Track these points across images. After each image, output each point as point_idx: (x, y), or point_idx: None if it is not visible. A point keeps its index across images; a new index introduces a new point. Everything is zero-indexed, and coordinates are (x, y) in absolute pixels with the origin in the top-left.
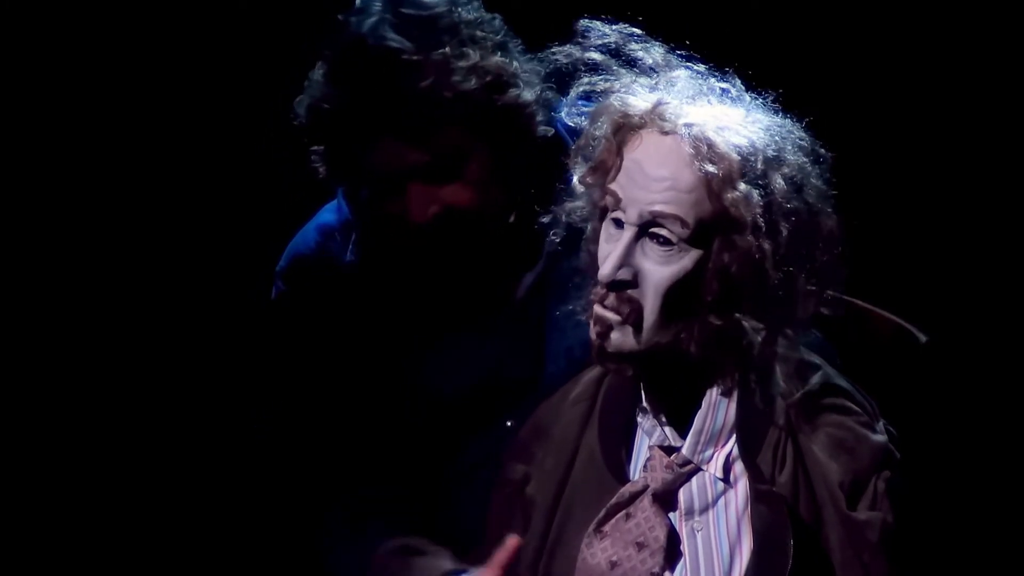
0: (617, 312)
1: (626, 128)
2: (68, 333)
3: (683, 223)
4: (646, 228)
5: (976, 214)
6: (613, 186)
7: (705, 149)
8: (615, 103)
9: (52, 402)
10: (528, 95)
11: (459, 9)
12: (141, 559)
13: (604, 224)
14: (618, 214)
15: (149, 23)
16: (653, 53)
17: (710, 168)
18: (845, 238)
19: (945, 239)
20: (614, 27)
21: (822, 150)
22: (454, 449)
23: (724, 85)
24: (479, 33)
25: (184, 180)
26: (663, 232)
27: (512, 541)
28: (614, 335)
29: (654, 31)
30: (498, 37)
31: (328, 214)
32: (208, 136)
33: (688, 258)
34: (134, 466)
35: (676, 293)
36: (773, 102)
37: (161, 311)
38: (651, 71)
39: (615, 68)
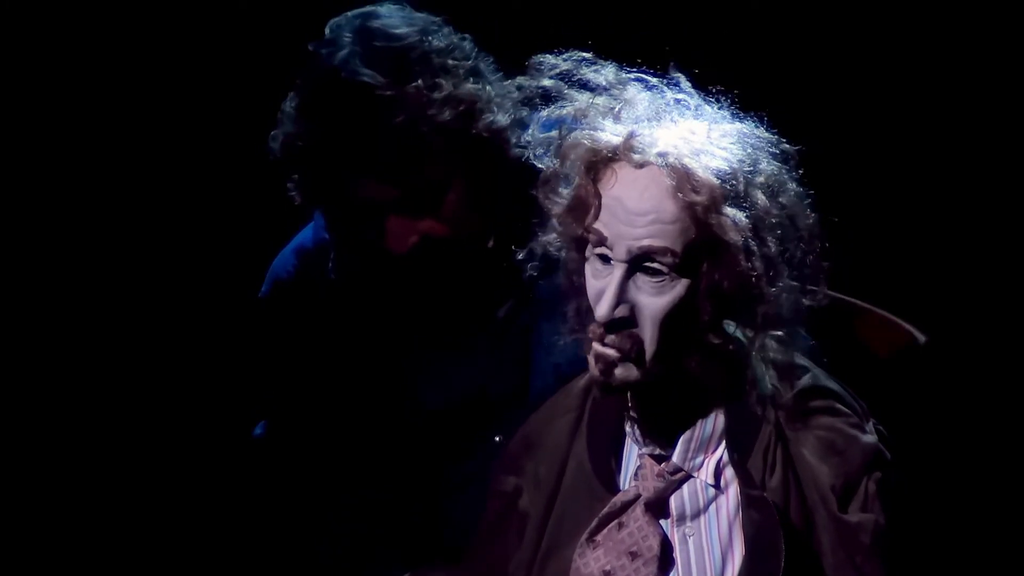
0: (619, 349)
1: (598, 164)
2: (67, 337)
3: (672, 253)
4: (636, 263)
5: (975, 214)
6: (597, 225)
7: (685, 179)
8: (583, 140)
9: (49, 403)
10: (503, 119)
11: (429, 38)
12: (141, 559)
13: (589, 260)
14: (603, 251)
15: (146, 25)
16: (605, 73)
17: (694, 198)
18: (824, 234)
19: (944, 239)
20: (563, 56)
21: (787, 146)
22: (444, 465)
23: (680, 96)
24: (451, 61)
25: (183, 181)
26: (654, 265)
27: None
28: (618, 371)
29: (605, 43)
30: (469, 63)
31: (306, 235)
32: (207, 136)
33: (680, 285)
34: (131, 467)
35: (673, 321)
36: (728, 103)
37: (156, 315)
38: (605, 90)
39: (568, 92)
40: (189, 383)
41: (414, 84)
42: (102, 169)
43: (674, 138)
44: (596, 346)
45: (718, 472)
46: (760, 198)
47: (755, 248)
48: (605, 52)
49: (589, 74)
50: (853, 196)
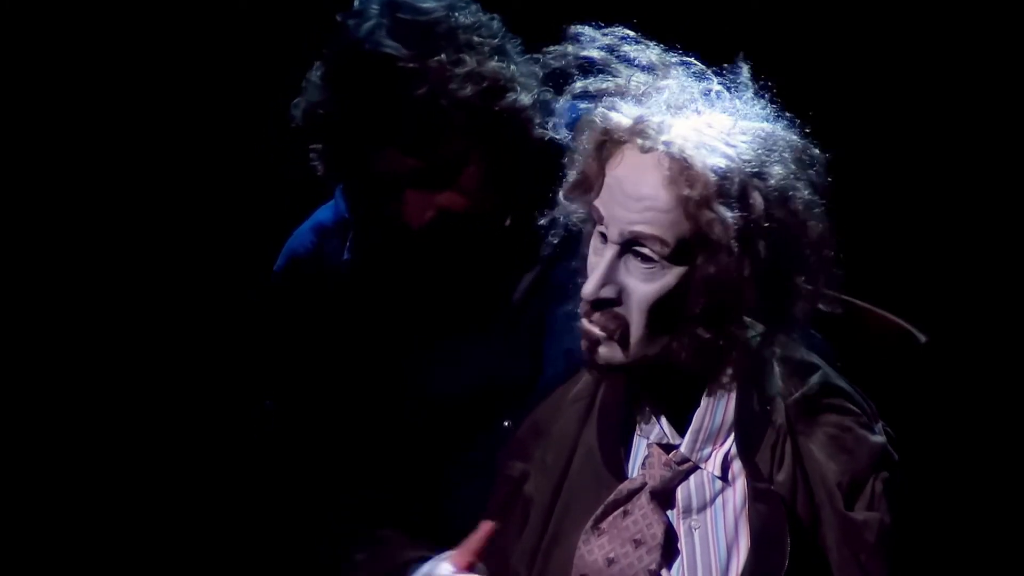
0: (603, 328)
1: (609, 144)
2: (70, 333)
3: (663, 242)
4: (628, 246)
5: (975, 214)
6: (597, 203)
7: (681, 170)
8: (597, 119)
9: (51, 403)
10: (525, 99)
11: (456, 14)
12: (142, 559)
13: (593, 236)
14: (602, 229)
15: (148, 22)
16: (648, 54)
17: (686, 190)
18: (837, 240)
19: (944, 239)
20: (605, 32)
21: (815, 151)
22: (453, 449)
23: (716, 88)
24: (476, 38)
25: (185, 178)
26: (644, 251)
27: (486, 526)
28: (602, 349)
29: (652, 28)
30: (495, 41)
31: (324, 213)
32: (208, 134)
33: (671, 275)
34: (133, 466)
35: (661, 309)
36: (772, 99)
37: (161, 310)
38: (647, 69)
39: (611, 67)
40: (196, 372)
41: (437, 58)
42: (109, 152)
43: (686, 129)
44: (583, 322)
45: (726, 464)
46: (758, 201)
47: (741, 250)
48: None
49: (631, 52)
50: (853, 196)
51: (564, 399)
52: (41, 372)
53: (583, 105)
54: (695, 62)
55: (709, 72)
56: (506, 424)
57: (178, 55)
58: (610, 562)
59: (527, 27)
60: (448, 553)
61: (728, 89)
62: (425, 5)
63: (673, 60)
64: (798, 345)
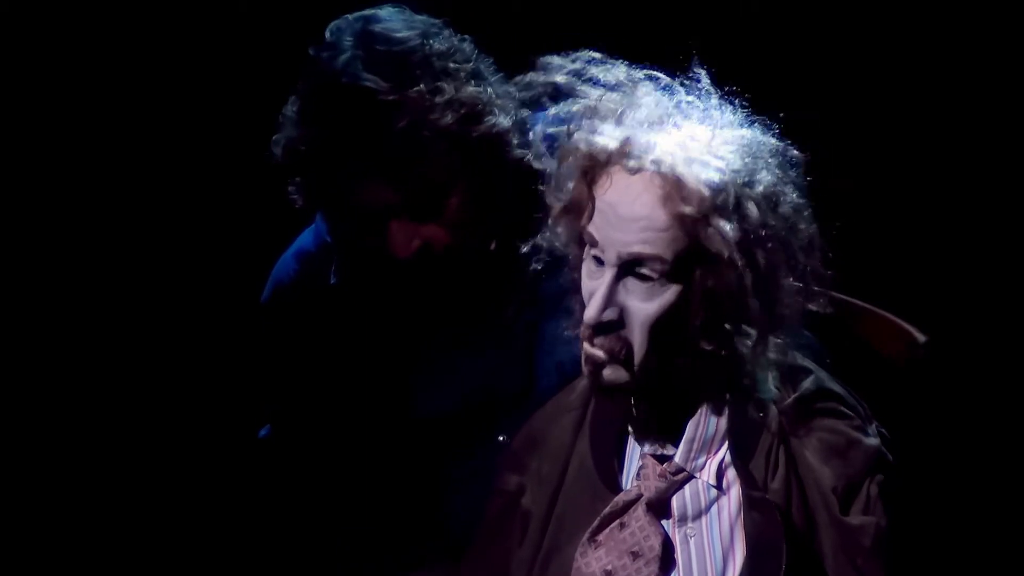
0: (607, 351)
1: (595, 168)
2: (71, 344)
3: (662, 261)
4: (626, 268)
5: (975, 214)
6: (590, 228)
7: (675, 188)
8: (580, 145)
9: (55, 405)
10: (504, 121)
11: (431, 41)
12: (142, 559)
13: (585, 260)
14: (597, 252)
15: (150, 28)
16: (615, 73)
17: (684, 208)
18: (826, 241)
19: (944, 239)
20: (572, 57)
21: (794, 152)
22: (447, 464)
23: (690, 99)
24: (452, 64)
25: (187, 183)
26: (644, 270)
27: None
28: (606, 372)
29: (620, 37)
30: (470, 65)
31: (306, 238)
32: (210, 141)
33: (671, 291)
34: (134, 471)
35: (663, 326)
36: (742, 104)
37: (160, 319)
38: (615, 88)
39: (579, 90)
40: (192, 389)
41: (416, 88)
42: (103, 175)
43: (671, 145)
44: (586, 346)
45: (720, 473)
46: (753, 211)
47: (745, 260)
48: (616, 51)
49: (599, 73)
50: (853, 196)
51: (558, 409)
52: (41, 377)
53: (556, 130)
54: (661, 75)
55: (675, 84)
56: (501, 439)
57: (176, 63)
58: (608, 574)
59: (499, 46)
60: None
61: (697, 98)
62: (399, 35)
63: (640, 76)
64: (790, 348)
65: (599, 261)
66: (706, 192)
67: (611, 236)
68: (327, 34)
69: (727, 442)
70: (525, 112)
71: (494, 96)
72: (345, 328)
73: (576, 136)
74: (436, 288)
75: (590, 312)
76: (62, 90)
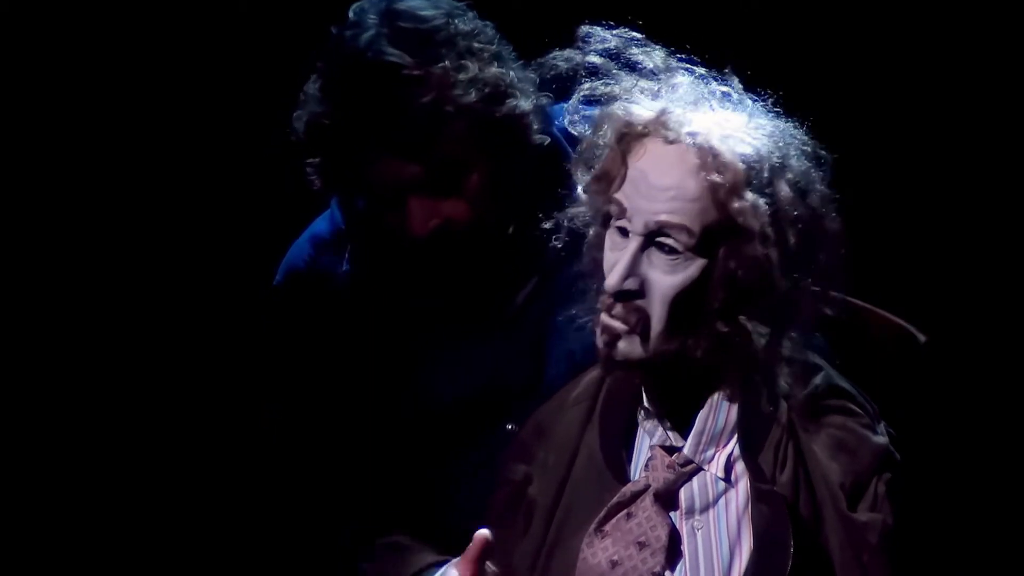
0: (624, 321)
1: (630, 137)
2: (76, 337)
3: (689, 232)
4: (652, 238)
5: (975, 214)
6: (618, 195)
7: (711, 159)
8: (619, 111)
9: (56, 404)
10: (525, 104)
11: (455, 20)
12: (143, 559)
13: (609, 232)
14: (623, 223)
15: (153, 28)
16: (653, 57)
17: (716, 178)
18: (847, 240)
19: (945, 239)
20: (614, 32)
21: (824, 152)
22: (456, 452)
23: (725, 89)
24: (476, 44)
25: (191, 182)
26: (669, 241)
27: (480, 535)
28: (621, 344)
29: (655, 33)
30: (494, 47)
31: (321, 224)
32: (213, 140)
33: (695, 267)
34: (141, 471)
35: (683, 302)
36: (773, 104)
37: (165, 316)
38: (652, 75)
39: (616, 72)
40: (198, 379)
41: (440, 65)
42: (111, 166)
43: (707, 122)
44: (604, 317)
45: (729, 466)
46: (784, 190)
47: (773, 238)
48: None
49: (638, 55)
50: (853, 196)
51: (566, 401)
52: (42, 375)
53: (587, 110)
54: (696, 68)
55: (709, 76)
56: (509, 427)
57: (178, 61)
58: (614, 564)
59: (521, 34)
60: (455, 560)
61: (731, 91)
62: (424, 13)
63: (676, 64)
64: (802, 345)
65: (623, 233)
66: (741, 165)
67: (639, 204)
68: (350, 14)
69: (736, 435)
70: (545, 100)
71: (516, 79)
72: (356, 315)
73: (615, 105)
74: (450, 272)
75: (612, 279)
76: (65, 83)
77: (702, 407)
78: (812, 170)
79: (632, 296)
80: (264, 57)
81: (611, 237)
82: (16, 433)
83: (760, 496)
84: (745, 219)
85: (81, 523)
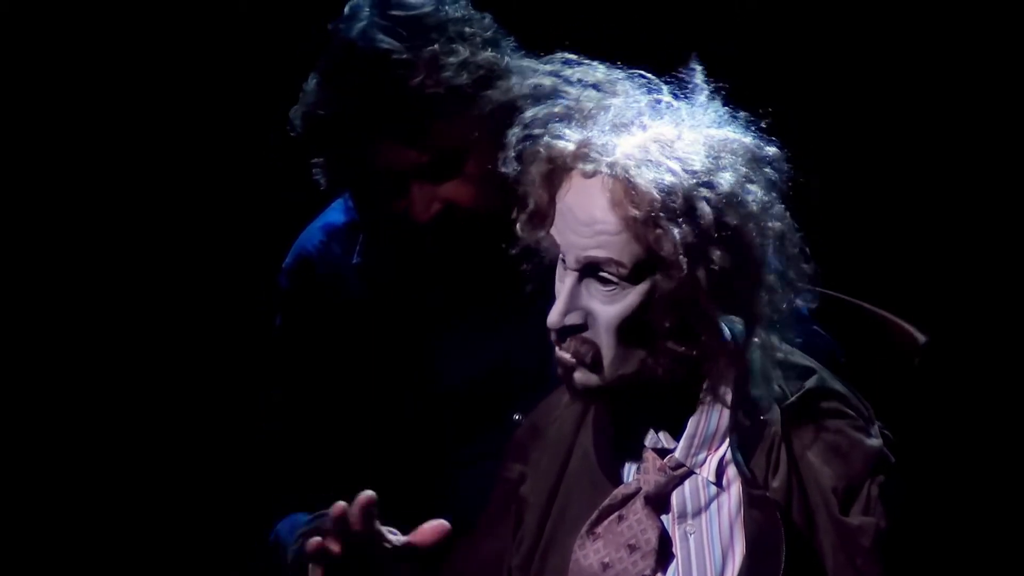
0: (575, 355)
1: (555, 172)
2: (77, 333)
3: (619, 264)
4: (587, 271)
5: (975, 214)
6: (552, 232)
7: (626, 191)
8: (540, 149)
9: (57, 403)
10: (522, 89)
11: (446, 7)
12: (143, 559)
13: (558, 263)
14: (563, 256)
15: (155, 26)
16: (594, 73)
17: (631, 211)
18: (802, 232)
19: (944, 239)
20: (545, 59)
21: (771, 149)
22: (463, 441)
23: (666, 99)
24: (468, 29)
25: (193, 180)
26: (603, 274)
27: (364, 495)
28: (577, 375)
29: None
30: (488, 34)
31: (335, 214)
32: (216, 138)
33: (633, 294)
34: (135, 466)
35: (628, 329)
36: (727, 100)
37: (168, 309)
38: (594, 88)
39: (559, 90)
40: (201, 370)
41: (429, 48)
42: (114, 164)
43: (630, 147)
44: (556, 350)
45: (720, 470)
46: (705, 211)
47: (693, 261)
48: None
49: (576, 75)
50: (853, 196)
51: (561, 401)
52: (42, 371)
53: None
54: (644, 74)
55: (659, 82)
56: (516, 417)
57: (181, 60)
58: (605, 567)
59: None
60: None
61: (678, 97)
62: (415, 1)
63: (619, 76)
64: (788, 345)
65: (565, 265)
66: (655, 195)
67: (569, 240)
68: (346, 9)
69: (728, 439)
70: (546, 83)
71: (512, 64)
72: (364, 304)
73: (539, 141)
74: (457, 259)
75: (552, 316)
76: (67, 81)
77: (694, 411)
78: (747, 178)
79: (577, 330)
80: (264, 57)
81: (558, 269)
82: (17, 423)
83: (752, 501)
84: (663, 248)
85: (75, 515)
